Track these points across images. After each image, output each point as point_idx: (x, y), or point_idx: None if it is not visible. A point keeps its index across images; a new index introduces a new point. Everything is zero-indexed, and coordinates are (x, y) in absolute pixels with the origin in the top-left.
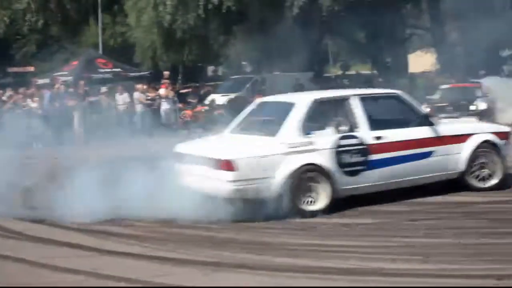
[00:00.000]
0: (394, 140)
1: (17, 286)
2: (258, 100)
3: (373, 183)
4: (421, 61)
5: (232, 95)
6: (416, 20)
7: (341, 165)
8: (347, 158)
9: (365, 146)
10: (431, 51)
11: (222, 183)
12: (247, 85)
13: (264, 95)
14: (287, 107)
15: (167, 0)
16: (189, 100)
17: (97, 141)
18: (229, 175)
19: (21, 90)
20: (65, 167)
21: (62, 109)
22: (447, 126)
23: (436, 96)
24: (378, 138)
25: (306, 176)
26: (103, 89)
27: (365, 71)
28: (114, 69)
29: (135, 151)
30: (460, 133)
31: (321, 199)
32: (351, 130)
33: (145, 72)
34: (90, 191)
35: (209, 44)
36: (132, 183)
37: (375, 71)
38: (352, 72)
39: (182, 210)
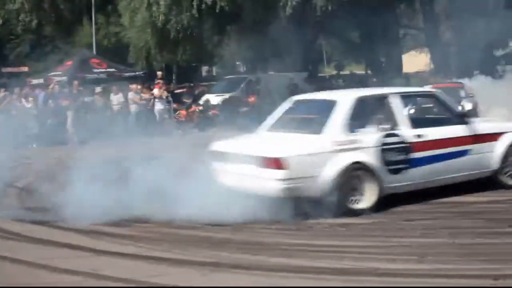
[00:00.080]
0: (434, 138)
1: (16, 286)
2: (294, 98)
3: (415, 181)
4: (415, 61)
5: (227, 95)
6: (409, 20)
7: (386, 163)
8: (391, 156)
9: (407, 144)
10: (425, 51)
11: (270, 182)
12: (241, 85)
13: (258, 95)
14: (330, 105)
15: (161, 0)
16: (184, 100)
17: (93, 141)
18: (278, 173)
19: (16, 90)
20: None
21: (57, 109)
22: (480, 125)
23: None
24: (419, 136)
25: (353, 175)
26: (98, 89)
27: (359, 71)
28: (108, 69)
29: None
30: (493, 132)
31: (367, 197)
32: (393, 128)
33: (139, 72)
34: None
35: (203, 44)
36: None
37: (369, 71)
38: (346, 72)
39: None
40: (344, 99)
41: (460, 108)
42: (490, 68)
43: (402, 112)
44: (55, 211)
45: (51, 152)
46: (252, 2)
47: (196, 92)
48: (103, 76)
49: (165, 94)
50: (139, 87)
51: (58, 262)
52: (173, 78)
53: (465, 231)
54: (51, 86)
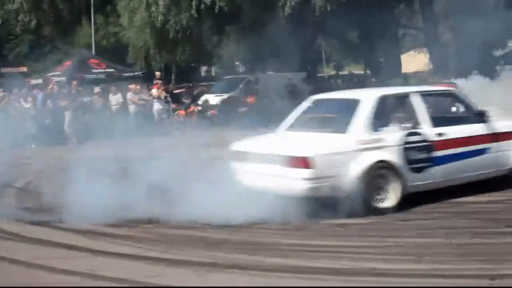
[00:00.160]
0: (455, 137)
1: (14, 286)
2: (313, 97)
3: (436, 180)
4: (414, 61)
5: (225, 95)
6: (408, 20)
7: (408, 162)
8: (414, 155)
9: (429, 143)
10: (423, 51)
11: (296, 181)
12: (240, 85)
13: (257, 95)
14: (353, 104)
15: (160, 0)
16: (183, 100)
17: (91, 142)
18: (305, 172)
19: (14, 90)
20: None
21: (55, 110)
22: (498, 124)
23: None
24: (440, 135)
25: (378, 173)
26: (96, 89)
27: (358, 71)
28: (107, 69)
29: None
30: (510, 130)
31: (391, 196)
32: (414, 127)
33: (138, 72)
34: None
35: (202, 44)
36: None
37: (368, 71)
38: (345, 72)
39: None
40: (367, 98)
41: (454, 109)
42: (489, 68)
43: (423, 110)
44: (53, 211)
45: (50, 152)
46: (251, 2)
47: (195, 92)
48: (102, 76)
49: (163, 94)
50: (138, 87)
51: (56, 263)
52: (172, 78)
53: (462, 231)
54: (50, 87)
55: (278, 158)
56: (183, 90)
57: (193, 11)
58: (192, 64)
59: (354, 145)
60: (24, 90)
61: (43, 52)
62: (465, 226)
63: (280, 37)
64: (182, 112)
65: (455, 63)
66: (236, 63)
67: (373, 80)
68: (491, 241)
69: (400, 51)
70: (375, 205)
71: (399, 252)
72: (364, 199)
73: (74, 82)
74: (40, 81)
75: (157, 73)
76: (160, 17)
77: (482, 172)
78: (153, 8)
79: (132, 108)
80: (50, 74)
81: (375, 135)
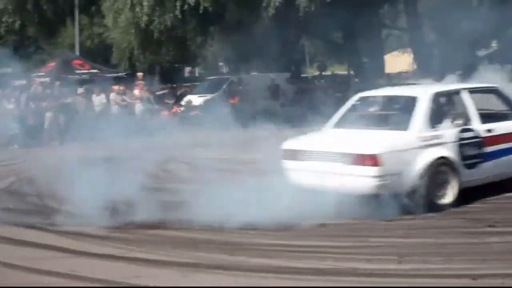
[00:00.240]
0: (502, 132)
1: None
2: (359, 95)
3: (487, 175)
4: (397, 61)
5: (209, 96)
6: (392, 21)
7: (463, 158)
8: (467, 151)
9: (480, 139)
10: (407, 52)
11: (363, 179)
12: (224, 86)
13: (240, 95)
14: (409, 101)
15: (144, 1)
16: (166, 101)
17: (74, 143)
18: (373, 170)
19: None
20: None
21: (37, 110)
22: None
23: None
24: (489, 131)
25: (439, 170)
26: (80, 90)
27: (342, 71)
28: (91, 70)
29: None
30: None
31: (449, 192)
32: (465, 123)
33: (122, 73)
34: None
35: (186, 45)
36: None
37: (351, 72)
38: (329, 73)
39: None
40: (424, 95)
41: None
42: (473, 68)
43: (473, 107)
44: (35, 212)
45: (32, 153)
46: (235, 3)
47: (179, 93)
48: (85, 77)
49: (146, 94)
50: (121, 88)
51: (37, 263)
52: (156, 79)
53: (445, 231)
54: (33, 87)
55: (341, 156)
56: (165, 91)
57: (178, 12)
58: (176, 65)
59: (417, 142)
60: (7, 91)
61: (27, 53)
62: (448, 226)
63: (264, 38)
64: (165, 113)
65: (439, 63)
66: (220, 63)
67: (356, 80)
68: (474, 241)
69: (384, 51)
70: (436, 201)
71: (381, 252)
72: (426, 196)
73: (57, 83)
74: (24, 81)
75: (139, 74)
76: (145, 18)
77: None
78: (137, 9)
79: (115, 109)
80: (34, 75)
81: (434, 132)
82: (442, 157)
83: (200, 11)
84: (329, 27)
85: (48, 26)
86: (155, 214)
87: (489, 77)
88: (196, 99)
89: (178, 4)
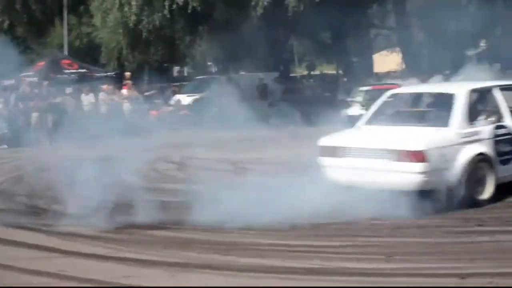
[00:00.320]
0: None
1: None
2: (390, 92)
3: None
4: (386, 60)
5: (197, 96)
6: (381, 21)
7: (498, 154)
8: (502, 147)
9: None
10: (396, 51)
11: (409, 175)
12: (212, 85)
13: (229, 95)
14: (445, 98)
15: (132, 0)
16: (154, 101)
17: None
18: (418, 166)
19: None
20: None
21: (26, 110)
22: None
23: (359, 98)
24: None
25: (478, 166)
26: (68, 90)
27: (330, 71)
28: (79, 70)
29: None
30: None
31: (487, 188)
32: (498, 120)
33: (111, 73)
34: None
35: (175, 45)
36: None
37: (340, 71)
38: (317, 72)
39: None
40: (461, 92)
41: None
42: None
43: (505, 104)
44: (24, 212)
45: (21, 153)
46: (223, 2)
47: (167, 92)
48: (74, 76)
49: (134, 94)
50: (110, 87)
51: (25, 263)
52: (145, 78)
53: (433, 230)
54: (22, 87)
55: (385, 152)
56: (153, 92)
57: (166, 11)
58: (165, 65)
59: (457, 139)
60: None
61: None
62: (437, 225)
63: (253, 37)
64: (154, 112)
65: (428, 63)
66: (209, 63)
67: (345, 80)
68: (462, 240)
69: (373, 51)
70: (475, 197)
71: (370, 252)
72: (467, 192)
73: (44, 83)
74: (12, 81)
75: (127, 74)
76: (133, 17)
77: None
78: (126, 8)
79: (104, 108)
80: (23, 74)
81: (473, 129)
82: (481, 153)
83: (189, 11)
84: (318, 27)
85: (37, 26)
86: (145, 214)
87: (472, 76)
88: (185, 99)
89: (166, 3)
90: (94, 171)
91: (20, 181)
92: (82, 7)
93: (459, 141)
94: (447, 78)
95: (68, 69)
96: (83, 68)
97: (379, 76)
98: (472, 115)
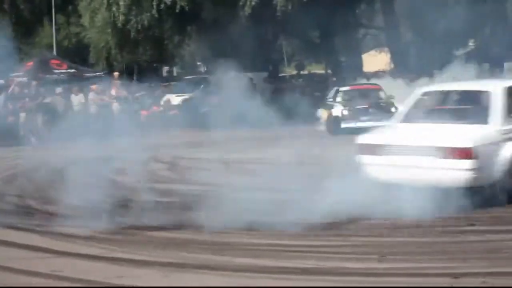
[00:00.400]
0: None
1: None
2: (421, 90)
3: None
4: (375, 60)
5: (187, 95)
6: (369, 21)
7: None
8: None
9: None
10: (384, 51)
11: (457, 172)
12: (201, 85)
13: (218, 95)
14: (481, 96)
15: (120, 0)
16: (144, 100)
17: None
18: (467, 163)
19: None
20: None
21: (15, 110)
22: None
23: (338, 99)
24: None
25: None
26: (58, 90)
27: (319, 71)
28: (68, 70)
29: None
30: None
31: None
32: None
33: (100, 73)
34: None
35: (163, 44)
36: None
37: (329, 71)
38: (306, 72)
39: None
40: (497, 89)
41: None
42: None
43: None
44: (16, 213)
45: (12, 153)
46: (211, 2)
47: (156, 92)
48: (63, 77)
49: (124, 94)
50: (100, 87)
51: (17, 263)
52: (134, 78)
53: (425, 230)
54: (11, 88)
55: (432, 149)
56: (143, 94)
57: (154, 11)
58: (154, 64)
59: (499, 136)
60: None
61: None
62: (430, 225)
63: (241, 37)
64: (144, 112)
65: (416, 63)
66: (198, 63)
67: (334, 79)
68: (455, 240)
69: (361, 50)
70: None
71: (363, 251)
72: (509, 188)
73: (33, 83)
74: (1, 82)
75: (115, 74)
76: (121, 17)
77: None
78: (114, 8)
79: (93, 108)
80: (12, 75)
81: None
82: None
83: (177, 11)
84: (306, 26)
85: (25, 25)
86: (138, 214)
87: (457, 75)
88: (174, 99)
89: (154, 3)
90: (86, 171)
91: (10, 181)
92: (70, 7)
93: (500, 138)
94: (432, 80)
95: (57, 69)
96: (72, 68)
97: (368, 76)
98: (510, 112)
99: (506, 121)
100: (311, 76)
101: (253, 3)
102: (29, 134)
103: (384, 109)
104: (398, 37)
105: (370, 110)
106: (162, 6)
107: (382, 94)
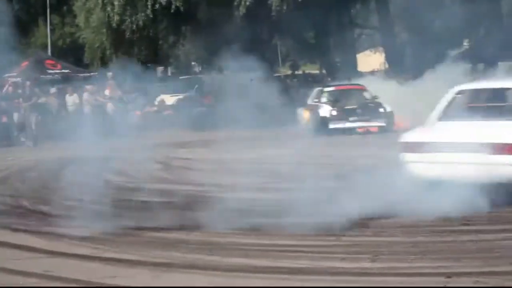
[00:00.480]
0: None
1: None
2: (456, 89)
3: None
4: (369, 60)
5: (181, 96)
6: (364, 21)
7: None
8: None
9: None
10: (379, 51)
11: (509, 168)
12: (196, 86)
13: (213, 95)
14: None
15: (115, 0)
16: (138, 101)
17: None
18: None
19: None
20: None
21: (8, 110)
22: None
23: (323, 99)
24: None
25: None
26: (52, 90)
27: (314, 70)
28: (63, 70)
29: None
30: None
31: None
32: None
33: (94, 73)
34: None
35: (158, 44)
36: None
37: (323, 71)
38: (301, 72)
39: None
40: None
41: (381, 110)
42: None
43: None
44: (10, 213)
45: (5, 153)
46: (206, 2)
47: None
48: (57, 77)
49: (118, 94)
50: (94, 88)
51: (11, 264)
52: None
53: (419, 230)
54: (5, 88)
55: (481, 146)
56: (137, 95)
57: (149, 11)
58: (149, 64)
59: None
60: None
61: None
62: (423, 224)
63: (236, 37)
64: (138, 112)
65: (411, 62)
66: (193, 63)
67: (329, 79)
68: (448, 239)
69: (356, 50)
70: None
71: (355, 251)
72: None
73: (27, 83)
74: None
75: (109, 74)
76: (116, 17)
77: None
78: (108, 8)
79: (88, 109)
80: (7, 75)
81: None
82: None
83: (172, 11)
84: (301, 26)
85: (20, 25)
86: (132, 214)
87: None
88: (169, 99)
89: (149, 3)
90: (80, 171)
91: (5, 181)
92: (65, 7)
93: None
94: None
95: (52, 70)
96: (66, 69)
97: (363, 76)
98: None
99: None
100: (306, 76)
101: (248, 3)
102: (23, 134)
103: (372, 109)
104: (393, 37)
105: (358, 110)
106: (157, 6)
107: (367, 95)
